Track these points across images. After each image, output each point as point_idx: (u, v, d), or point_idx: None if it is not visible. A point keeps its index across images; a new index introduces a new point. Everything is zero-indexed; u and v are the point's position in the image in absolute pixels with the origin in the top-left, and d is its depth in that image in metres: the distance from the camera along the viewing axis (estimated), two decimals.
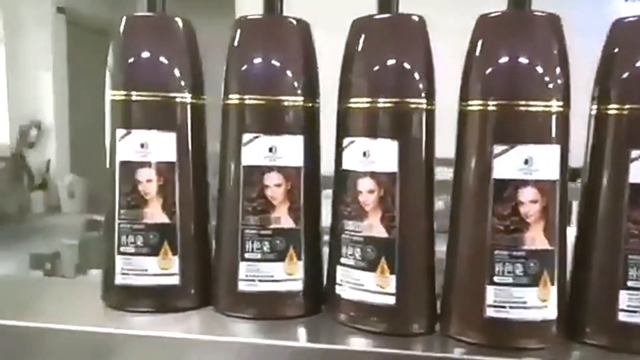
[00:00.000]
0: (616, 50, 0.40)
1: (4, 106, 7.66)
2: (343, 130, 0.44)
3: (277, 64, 0.45)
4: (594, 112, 0.41)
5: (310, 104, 0.46)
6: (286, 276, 0.45)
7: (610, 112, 0.40)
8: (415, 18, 0.42)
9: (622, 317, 0.39)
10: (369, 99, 0.42)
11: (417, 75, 0.42)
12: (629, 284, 0.39)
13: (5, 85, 7.49)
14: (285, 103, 0.45)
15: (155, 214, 0.45)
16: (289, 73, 0.45)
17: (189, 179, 0.46)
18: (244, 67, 0.45)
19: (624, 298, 0.39)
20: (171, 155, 0.45)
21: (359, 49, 0.43)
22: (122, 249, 0.46)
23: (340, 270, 0.44)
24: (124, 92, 0.45)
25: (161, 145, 0.45)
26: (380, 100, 0.42)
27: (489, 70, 0.40)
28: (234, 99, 0.45)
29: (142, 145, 0.45)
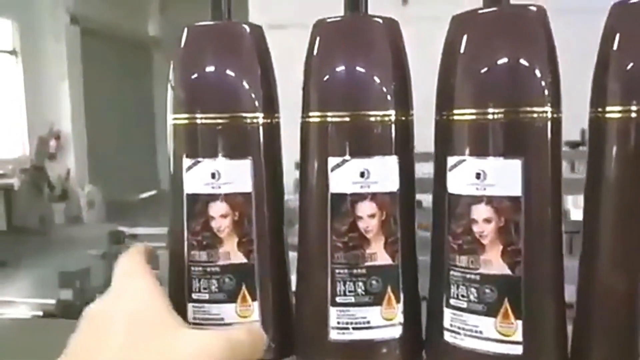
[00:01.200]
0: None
1: (23, 118, 7.73)
2: (445, 147, 0.37)
3: (362, 72, 0.38)
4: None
5: (403, 117, 0.39)
6: (384, 322, 0.38)
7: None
8: (533, 8, 0.35)
9: None
10: (481, 110, 0.35)
11: (541, 79, 0.35)
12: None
13: (23, 98, 7.56)
14: (374, 118, 0.38)
15: (230, 253, 0.39)
16: (377, 80, 0.38)
17: (264, 212, 0.40)
18: (324, 80, 0.38)
19: None
20: (247, 186, 0.39)
21: (464, 48, 0.36)
22: (194, 295, 0.39)
23: (449, 314, 0.38)
24: (188, 115, 0.39)
25: (236, 174, 0.38)
26: (496, 110, 0.35)
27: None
28: (314, 116, 0.38)
29: (213, 176, 0.38)
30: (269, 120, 0.40)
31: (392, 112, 0.38)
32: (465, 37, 0.37)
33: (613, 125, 0.34)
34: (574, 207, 1.77)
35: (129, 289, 0.36)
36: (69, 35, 7.66)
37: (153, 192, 9.88)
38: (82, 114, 7.89)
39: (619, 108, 0.33)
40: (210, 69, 0.39)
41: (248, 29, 0.40)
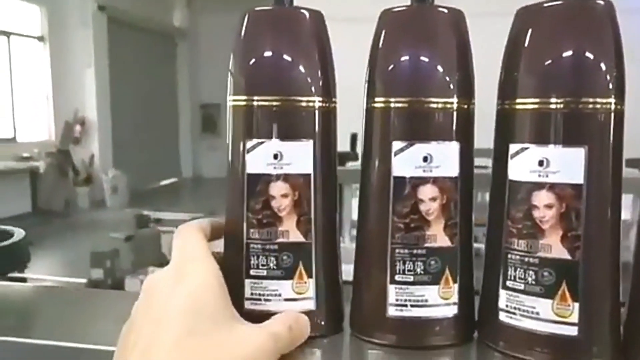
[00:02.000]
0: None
1: (49, 103, 7.86)
2: (507, 135, 0.39)
3: (427, 61, 0.40)
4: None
5: (465, 105, 0.40)
6: (441, 300, 0.40)
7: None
8: (601, 2, 0.36)
9: None
10: (544, 99, 0.37)
11: (606, 71, 0.36)
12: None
13: (50, 83, 7.69)
14: (437, 105, 0.39)
15: (290, 232, 0.41)
16: (441, 69, 0.39)
17: (322, 193, 0.41)
18: (391, 67, 0.40)
19: None
20: (307, 167, 0.41)
21: (528, 41, 0.38)
22: (252, 272, 0.41)
23: (505, 295, 0.39)
24: (246, 97, 0.40)
25: (297, 156, 0.40)
26: (560, 100, 0.36)
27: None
28: (379, 102, 0.40)
29: (275, 157, 0.40)
30: (326, 105, 0.41)
31: (454, 99, 0.39)
32: (530, 29, 0.38)
33: None
34: None
35: (191, 274, 0.36)
36: (96, 23, 7.76)
37: (174, 180, 10.02)
38: (107, 101, 8.01)
39: None
40: (280, 52, 0.41)
41: (307, 15, 0.41)
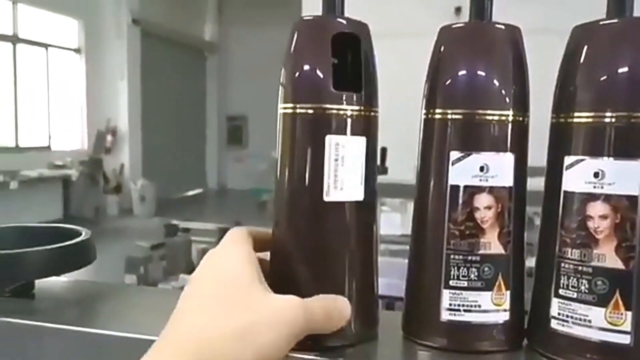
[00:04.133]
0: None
1: (83, 113, 8.05)
2: (562, 147, 0.40)
3: (484, 74, 0.41)
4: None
5: (520, 118, 0.42)
6: (493, 306, 0.41)
7: None
8: None
9: None
10: (599, 113, 0.38)
11: None
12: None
13: (84, 94, 7.88)
14: (494, 117, 0.41)
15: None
16: (496, 84, 0.41)
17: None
18: (449, 81, 0.42)
19: None
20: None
21: (584, 57, 0.39)
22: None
23: (557, 303, 0.40)
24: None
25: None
26: (615, 114, 0.37)
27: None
28: (437, 113, 0.42)
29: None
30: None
31: (510, 112, 0.41)
32: (586, 45, 0.39)
33: None
34: None
35: (228, 251, 0.39)
36: (130, 36, 7.98)
37: (200, 190, 10.15)
38: (138, 112, 8.20)
39: None
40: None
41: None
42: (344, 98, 0.40)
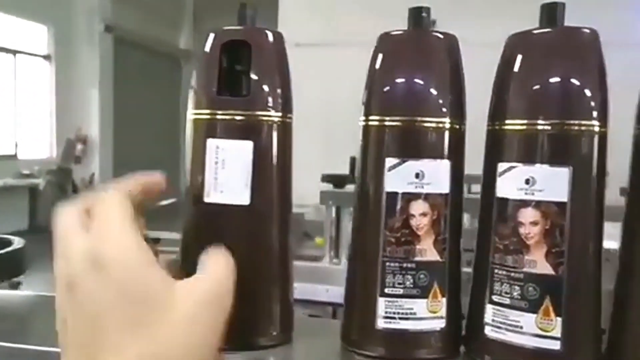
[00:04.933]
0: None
1: (52, 121, 7.88)
2: (496, 154, 0.40)
3: (422, 82, 0.42)
4: None
5: (456, 126, 0.42)
6: (429, 314, 0.41)
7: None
8: (587, 31, 0.38)
9: None
10: (532, 121, 0.38)
11: (590, 96, 0.38)
12: None
13: (54, 101, 7.72)
14: (430, 124, 0.41)
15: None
16: (433, 92, 0.41)
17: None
18: (387, 88, 0.42)
19: None
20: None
21: (518, 66, 0.40)
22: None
23: (491, 310, 0.40)
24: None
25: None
26: (547, 122, 0.38)
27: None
28: (374, 120, 0.42)
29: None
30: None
31: (446, 119, 0.41)
32: (520, 55, 0.40)
33: None
34: None
35: (111, 256, 0.30)
36: (102, 43, 7.87)
37: (173, 200, 10.00)
38: (110, 120, 8.07)
39: None
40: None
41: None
42: (228, 104, 0.42)
